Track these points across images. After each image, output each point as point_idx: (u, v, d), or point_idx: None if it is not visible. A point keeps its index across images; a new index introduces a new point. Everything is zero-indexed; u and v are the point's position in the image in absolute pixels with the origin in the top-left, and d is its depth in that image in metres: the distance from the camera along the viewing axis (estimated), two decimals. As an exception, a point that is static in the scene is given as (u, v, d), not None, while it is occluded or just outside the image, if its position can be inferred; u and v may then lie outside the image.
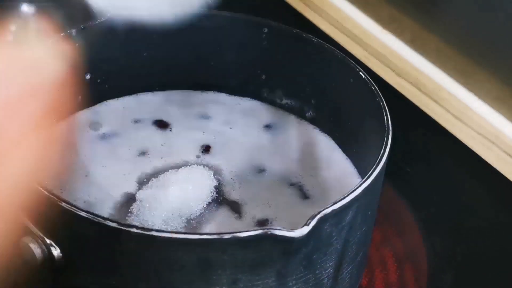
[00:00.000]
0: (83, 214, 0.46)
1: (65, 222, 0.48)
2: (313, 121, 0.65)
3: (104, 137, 0.62)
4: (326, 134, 0.64)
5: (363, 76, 0.59)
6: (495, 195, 0.73)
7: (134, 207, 0.56)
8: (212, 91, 0.67)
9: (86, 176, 0.58)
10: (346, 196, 0.49)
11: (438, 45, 0.80)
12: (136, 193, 0.57)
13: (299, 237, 0.46)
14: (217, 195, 0.58)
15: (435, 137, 0.78)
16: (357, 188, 0.50)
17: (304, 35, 0.62)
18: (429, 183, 0.72)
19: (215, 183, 0.58)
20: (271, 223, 0.56)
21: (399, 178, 0.69)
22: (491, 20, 0.75)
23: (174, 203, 0.56)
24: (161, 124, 0.64)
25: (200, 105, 0.66)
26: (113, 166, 0.59)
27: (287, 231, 0.46)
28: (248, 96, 0.67)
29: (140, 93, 0.66)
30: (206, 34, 0.64)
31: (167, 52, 0.65)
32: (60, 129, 0.62)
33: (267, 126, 0.64)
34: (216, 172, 0.60)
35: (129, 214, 0.56)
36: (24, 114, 0.41)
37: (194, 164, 0.60)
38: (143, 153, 0.61)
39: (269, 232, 0.46)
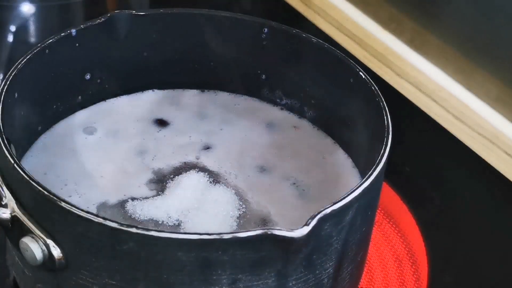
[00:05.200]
0: (83, 214, 0.46)
1: (65, 222, 0.48)
2: (313, 121, 0.65)
3: (104, 136, 0.62)
4: (326, 134, 0.64)
5: (363, 76, 0.59)
6: (495, 195, 0.73)
7: (132, 208, 0.56)
8: (212, 91, 0.67)
9: (87, 177, 0.58)
10: (346, 196, 0.49)
11: (438, 45, 0.80)
12: (135, 196, 0.57)
13: (299, 237, 0.46)
14: (216, 195, 0.58)
15: (435, 137, 0.78)
16: (357, 188, 0.50)
17: (304, 35, 0.62)
18: (429, 183, 0.72)
19: (214, 183, 0.58)
20: (270, 223, 0.56)
21: (399, 178, 0.69)
22: (491, 20, 0.75)
23: (173, 205, 0.56)
24: (161, 124, 0.64)
25: (199, 105, 0.66)
26: (112, 167, 0.59)
27: (287, 231, 0.46)
28: (248, 96, 0.67)
29: (140, 93, 0.66)
30: (206, 34, 0.64)
31: (167, 52, 0.65)
32: (61, 129, 0.62)
33: (267, 126, 0.64)
34: (216, 172, 0.60)
35: (128, 220, 0.55)
36: None
37: (192, 168, 0.60)
38: (142, 153, 0.61)
39: (269, 232, 0.46)
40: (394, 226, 0.67)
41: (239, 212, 0.56)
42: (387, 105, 0.56)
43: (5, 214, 0.50)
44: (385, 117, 0.55)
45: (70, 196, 0.56)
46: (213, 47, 0.65)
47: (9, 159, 0.49)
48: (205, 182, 0.58)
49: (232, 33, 0.64)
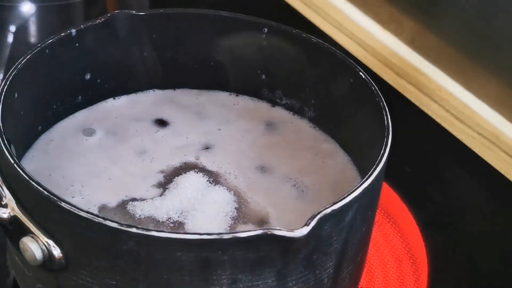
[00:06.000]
0: (83, 214, 0.46)
1: (65, 222, 0.48)
2: (313, 121, 0.65)
3: (104, 137, 0.62)
4: (326, 134, 0.64)
5: (363, 76, 0.59)
6: (495, 195, 0.73)
7: (132, 209, 0.56)
8: (212, 91, 0.67)
9: (91, 178, 0.58)
10: (346, 196, 0.49)
11: (438, 45, 0.80)
12: (135, 196, 0.57)
13: (299, 237, 0.46)
14: (216, 196, 0.58)
15: (435, 137, 0.78)
16: (357, 188, 0.50)
17: (304, 35, 0.62)
18: (429, 183, 0.72)
19: (214, 184, 0.58)
20: (270, 223, 0.56)
21: (399, 178, 0.69)
22: (491, 20, 0.75)
23: (173, 205, 0.56)
24: (161, 124, 0.64)
25: (199, 105, 0.66)
26: (113, 167, 0.59)
27: (287, 231, 0.46)
28: (248, 96, 0.67)
29: (140, 93, 0.66)
30: (206, 34, 0.64)
31: (167, 52, 0.65)
32: (61, 129, 0.62)
33: (267, 126, 0.64)
34: (215, 172, 0.60)
35: (128, 220, 0.55)
36: None
37: (192, 169, 0.60)
38: (142, 153, 0.61)
39: (269, 232, 0.46)
40: (394, 226, 0.67)
41: (239, 213, 0.57)
42: (387, 105, 0.56)
43: (5, 214, 0.50)
44: (385, 117, 0.55)
45: (73, 197, 0.56)
46: (213, 47, 0.65)
47: (9, 159, 0.49)
48: (204, 182, 0.58)
49: (232, 33, 0.64)
